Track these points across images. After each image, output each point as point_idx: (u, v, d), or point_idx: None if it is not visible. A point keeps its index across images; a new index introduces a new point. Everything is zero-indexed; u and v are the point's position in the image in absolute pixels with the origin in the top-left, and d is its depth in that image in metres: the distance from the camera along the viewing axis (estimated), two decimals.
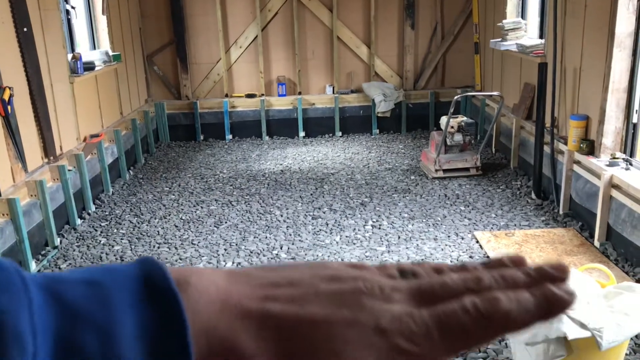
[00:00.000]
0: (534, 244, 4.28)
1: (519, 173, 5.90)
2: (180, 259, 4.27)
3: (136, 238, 4.65)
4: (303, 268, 0.32)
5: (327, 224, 4.79)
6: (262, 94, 7.82)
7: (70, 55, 5.43)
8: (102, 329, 0.26)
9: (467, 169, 5.89)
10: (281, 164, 6.61)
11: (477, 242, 4.36)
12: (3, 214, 3.95)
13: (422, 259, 4.08)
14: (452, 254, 4.15)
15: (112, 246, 4.52)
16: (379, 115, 7.79)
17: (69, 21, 5.84)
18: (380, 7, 7.70)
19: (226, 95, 7.84)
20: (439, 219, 4.83)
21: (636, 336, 3.03)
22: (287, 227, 4.77)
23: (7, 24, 4.27)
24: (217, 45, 7.70)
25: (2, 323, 0.25)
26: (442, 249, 4.24)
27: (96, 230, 4.85)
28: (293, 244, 4.44)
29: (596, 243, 4.21)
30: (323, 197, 5.45)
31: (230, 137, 7.82)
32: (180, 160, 6.93)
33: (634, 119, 4.28)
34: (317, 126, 7.85)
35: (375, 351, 0.28)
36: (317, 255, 4.23)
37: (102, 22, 6.48)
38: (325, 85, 7.91)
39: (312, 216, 4.98)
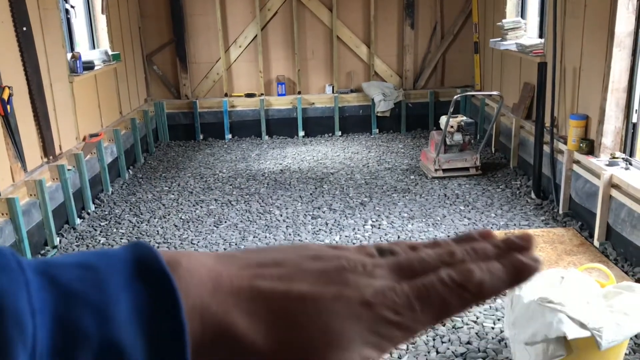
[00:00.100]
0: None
1: (519, 173, 5.90)
2: None
3: (135, 237, 4.65)
4: (286, 249, 0.33)
5: (327, 224, 4.79)
6: (262, 94, 7.82)
7: (69, 55, 5.43)
8: (98, 309, 0.27)
9: (466, 169, 5.89)
10: (281, 164, 6.61)
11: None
12: (2, 214, 3.95)
13: None
14: None
15: (112, 246, 4.51)
16: (378, 114, 7.79)
17: (68, 20, 5.84)
18: (380, 6, 7.70)
19: (226, 95, 7.83)
20: (439, 218, 4.83)
21: (636, 336, 3.03)
22: (287, 226, 4.77)
23: (6, 23, 4.27)
24: (216, 45, 7.70)
25: (2, 303, 0.25)
26: None
27: (95, 230, 4.85)
28: (293, 243, 4.44)
29: (596, 243, 4.21)
30: (323, 196, 5.45)
31: (230, 136, 7.82)
32: (179, 160, 6.93)
33: (634, 119, 4.28)
34: (317, 126, 7.85)
35: (362, 322, 0.30)
36: None
37: (101, 21, 6.47)
38: (324, 85, 7.91)
39: (311, 216, 4.98)
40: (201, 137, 7.82)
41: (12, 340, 0.25)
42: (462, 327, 3.25)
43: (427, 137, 6.95)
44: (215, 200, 5.47)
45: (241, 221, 4.91)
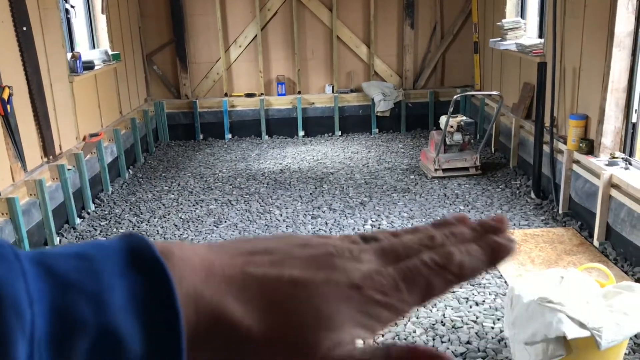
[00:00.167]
0: (534, 243, 4.28)
1: (519, 172, 5.90)
2: None
3: None
4: (275, 238, 0.34)
5: (327, 224, 4.79)
6: (262, 94, 7.82)
7: (69, 55, 5.43)
8: (94, 297, 0.27)
9: (466, 169, 5.89)
10: (280, 164, 6.61)
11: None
12: (2, 213, 3.95)
13: None
14: None
15: None
16: (378, 114, 7.79)
17: (68, 20, 5.84)
18: (380, 6, 7.70)
19: (225, 95, 7.83)
20: (439, 218, 4.82)
21: (635, 336, 3.03)
22: (287, 226, 4.77)
23: (6, 23, 4.27)
24: (216, 45, 7.70)
25: (1, 293, 0.25)
26: None
27: (95, 230, 4.85)
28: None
29: (595, 242, 4.21)
30: (322, 196, 5.45)
31: (230, 136, 7.82)
32: (179, 160, 6.93)
33: (633, 119, 4.28)
34: (317, 125, 7.86)
35: (352, 304, 0.31)
36: None
37: (101, 21, 6.47)
38: (324, 85, 7.91)
39: (311, 215, 4.98)
40: (201, 136, 7.82)
41: (11, 328, 0.25)
42: (461, 327, 3.25)
43: (427, 137, 6.95)
44: (215, 200, 5.47)
45: (241, 221, 4.92)
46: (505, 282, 3.72)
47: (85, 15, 6.39)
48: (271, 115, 7.83)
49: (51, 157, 4.81)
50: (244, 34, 7.70)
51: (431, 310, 3.43)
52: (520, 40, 5.95)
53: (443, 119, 5.95)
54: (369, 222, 4.80)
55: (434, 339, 3.15)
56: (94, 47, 6.47)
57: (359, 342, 0.31)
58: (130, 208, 5.33)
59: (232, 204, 5.33)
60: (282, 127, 7.86)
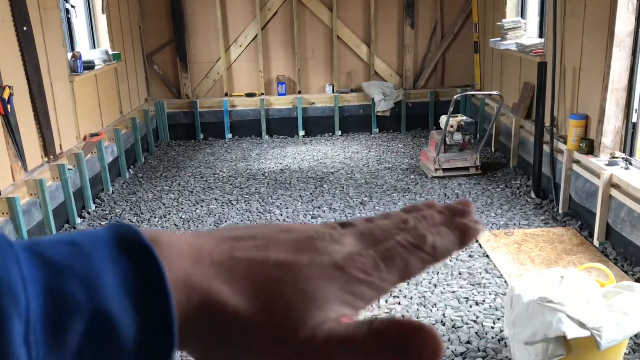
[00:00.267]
0: (534, 243, 4.28)
1: (519, 172, 5.90)
2: None
3: None
4: (257, 226, 0.36)
5: None
6: (262, 93, 7.82)
7: (70, 54, 5.43)
8: (86, 280, 0.28)
9: (466, 168, 5.90)
10: (281, 163, 6.61)
11: (477, 241, 4.36)
12: (3, 213, 3.96)
13: None
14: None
15: None
16: (378, 114, 7.79)
17: (68, 20, 5.84)
18: (380, 6, 7.70)
19: (226, 94, 7.84)
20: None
21: (635, 335, 3.04)
22: None
23: (6, 23, 4.27)
24: (216, 44, 7.70)
25: None
26: None
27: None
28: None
29: (595, 242, 4.21)
30: (323, 196, 5.46)
31: (230, 136, 7.82)
32: (180, 159, 6.94)
33: (634, 118, 4.28)
34: (317, 125, 7.86)
35: (336, 282, 0.32)
36: None
37: (101, 21, 6.48)
38: (325, 85, 7.91)
39: (311, 215, 4.98)
40: (201, 136, 7.82)
41: (7, 311, 0.25)
42: (461, 326, 3.25)
43: (427, 136, 6.96)
44: (215, 199, 5.47)
45: (241, 220, 4.92)
46: (505, 281, 3.72)
47: (85, 14, 6.40)
48: (271, 115, 7.83)
49: (51, 156, 4.81)
50: (244, 33, 7.70)
51: (431, 310, 3.44)
52: (521, 40, 5.95)
53: (443, 119, 5.95)
54: None
55: None
56: (94, 47, 6.47)
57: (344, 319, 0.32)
58: (130, 208, 5.34)
59: (232, 204, 5.33)
60: (282, 126, 7.86)
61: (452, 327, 3.25)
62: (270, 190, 5.65)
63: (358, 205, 5.18)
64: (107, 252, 0.29)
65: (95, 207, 5.36)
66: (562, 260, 4.00)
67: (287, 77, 7.88)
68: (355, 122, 7.89)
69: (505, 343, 3.05)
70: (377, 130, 7.89)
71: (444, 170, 5.84)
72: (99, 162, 5.65)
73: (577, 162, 4.63)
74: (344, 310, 0.32)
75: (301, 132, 7.82)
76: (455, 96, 5.92)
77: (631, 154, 4.29)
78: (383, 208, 5.08)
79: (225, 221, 4.91)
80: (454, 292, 3.64)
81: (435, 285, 3.72)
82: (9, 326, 0.25)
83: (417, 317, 3.35)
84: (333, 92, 7.84)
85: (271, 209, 5.17)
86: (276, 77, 7.86)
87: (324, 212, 5.04)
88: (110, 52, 6.34)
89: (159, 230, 0.32)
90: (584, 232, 4.42)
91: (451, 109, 5.72)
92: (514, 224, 4.66)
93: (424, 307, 3.48)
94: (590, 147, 4.51)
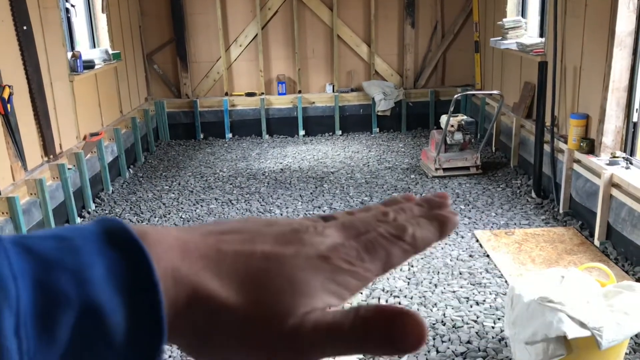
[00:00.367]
0: (534, 242, 4.28)
1: (519, 172, 5.89)
2: None
3: None
4: (241, 220, 0.36)
5: None
6: (262, 93, 7.82)
7: (70, 54, 5.43)
8: (75, 273, 0.28)
9: (467, 168, 5.89)
10: (281, 163, 6.61)
11: (477, 241, 4.36)
12: (3, 213, 3.95)
13: (422, 258, 4.08)
14: (452, 253, 4.15)
15: None
16: (379, 113, 7.78)
17: (68, 19, 5.84)
18: (381, 5, 7.70)
19: (226, 94, 7.83)
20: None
21: (636, 335, 3.03)
22: None
23: (6, 22, 4.27)
24: (217, 44, 7.70)
25: None
26: (442, 248, 4.23)
27: None
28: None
29: (596, 242, 4.21)
30: (323, 196, 5.45)
31: (230, 135, 7.82)
32: (180, 159, 6.93)
33: (634, 118, 4.28)
34: (317, 125, 7.85)
35: (321, 273, 0.33)
36: None
37: (102, 20, 6.47)
38: (325, 84, 7.91)
39: (312, 215, 4.97)
40: (201, 136, 7.82)
41: None
42: (462, 326, 3.25)
43: (428, 136, 6.95)
44: (215, 199, 5.47)
45: None
46: (506, 281, 3.72)
47: (85, 14, 6.39)
48: (272, 114, 7.83)
49: (51, 156, 4.81)
50: (244, 33, 7.70)
51: (432, 310, 3.43)
52: (521, 39, 5.94)
53: (444, 119, 5.95)
54: None
55: (434, 339, 3.14)
56: (94, 46, 6.47)
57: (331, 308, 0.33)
58: (130, 207, 5.33)
59: (232, 204, 5.33)
60: (282, 126, 7.85)
61: (453, 327, 3.25)
62: (271, 190, 5.65)
63: (358, 205, 5.17)
64: (96, 246, 0.29)
65: (95, 206, 5.36)
66: (563, 260, 4.00)
67: (288, 76, 7.87)
68: (355, 121, 7.89)
69: (505, 343, 3.05)
70: (377, 129, 7.89)
71: (445, 169, 5.84)
72: (99, 161, 5.65)
73: (578, 161, 4.63)
74: (330, 299, 0.33)
75: (301, 132, 7.81)
76: (455, 96, 5.92)
77: (632, 153, 4.28)
78: None
79: None
80: (454, 292, 3.63)
81: (435, 285, 3.72)
82: (0, 319, 0.25)
83: None
84: (333, 91, 7.83)
85: (271, 208, 5.17)
86: (276, 77, 7.86)
87: (324, 211, 5.04)
88: (110, 52, 6.34)
89: (145, 225, 0.33)
90: (585, 232, 4.41)
91: (452, 109, 5.72)
92: (515, 224, 4.65)
93: (425, 307, 3.47)
94: (590, 146, 4.50)
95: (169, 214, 5.13)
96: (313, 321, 0.31)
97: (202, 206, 5.29)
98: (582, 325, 2.36)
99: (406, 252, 0.36)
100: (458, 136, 5.90)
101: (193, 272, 0.31)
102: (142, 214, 5.16)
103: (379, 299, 3.56)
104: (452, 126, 5.86)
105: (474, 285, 3.71)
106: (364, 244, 0.35)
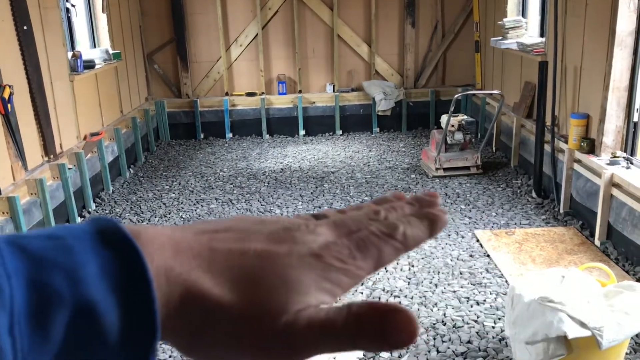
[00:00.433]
0: (535, 242, 4.28)
1: (520, 172, 5.89)
2: None
3: None
4: (232, 219, 0.36)
5: None
6: (263, 93, 7.82)
7: (70, 54, 5.43)
8: (69, 272, 0.28)
9: (467, 168, 5.89)
10: (281, 163, 6.60)
11: (478, 240, 4.36)
12: (3, 212, 3.95)
13: (422, 258, 4.08)
14: (453, 253, 4.15)
15: None
16: (379, 113, 7.78)
17: (69, 19, 5.84)
18: (381, 5, 7.70)
19: (226, 94, 7.83)
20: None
21: (636, 335, 3.03)
22: None
23: (7, 22, 4.27)
24: (217, 44, 7.69)
25: None
26: (443, 248, 4.23)
27: None
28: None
29: (597, 242, 4.20)
30: (323, 195, 5.45)
31: (231, 135, 7.82)
32: (180, 159, 6.93)
33: (635, 118, 4.28)
34: (318, 125, 7.85)
35: (314, 271, 0.33)
36: None
37: (102, 20, 6.47)
38: (325, 84, 7.91)
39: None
40: (202, 136, 7.82)
41: None
42: (462, 326, 3.25)
43: (428, 136, 6.95)
44: (216, 199, 5.47)
45: None
46: (506, 281, 3.71)
47: (85, 14, 6.39)
48: (272, 114, 7.83)
49: (52, 156, 4.81)
50: (244, 32, 7.70)
51: (432, 310, 3.43)
52: (522, 39, 5.94)
53: (444, 118, 5.95)
54: None
55: (434, 338, 3.14)
56: (94, 46, 6.47)
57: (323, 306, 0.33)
58: (131, 207, 5.33)
59: (233, 203, 5.33)
60: (282, 126, 7.85)
61: (453, 326, 3.25)
62: (271, 190, 5.65)
63: None
64: (90, 245, 0.29)
65: (96, 206, 5.36)
66: (563, 259, 4.00)
67: (288, 76, 7.87)
68: (356, 121, 7.89)
69: (506, 343, 3.05)
70: (377, 129, 7.89)
71: (445, 169, 5.84)
72: (99, 161, 5.65)
73: (578, 161, 4.62)
74: (322, 297, 0.33)
75: (302, 132, 7.81)
76: (456, 95, 5.91)
77: (632, 153, 4.28)
78: None
79: None
80: (454, 291, 3.63)
81: (436, 285, 3.71)
82: None
83: (418, 317, 3.34)
84: (334, 91, 7.83)
85: (272, 208, 5.17)
86: (277, 77, 7.86)
87: None
88: (111, 52, 6.34)
89: (137, 225, 0.33)
90: (585, 232, 4.41)
91: (452, 109, 5.71)
92: (515, 224, 4.65)
93: (425, 306, 3.47)
94: (591, 146, 4.50)
95: (170, 213, 5.13)
96: (306, 319, 0.32)
97: (202, 206, 5.29)
98: (583, 325, 2.36)
99: (397, 250, 0.36)
100: (458, 136, 5.90)
101: (186, 270, 0.31)
102: (142, 213, 5.16)
103: (379, 298, 3.56)
104: (452, 126, 5.86)
105: (474, 285, 3.71)
106: (355, 242, 0.35)
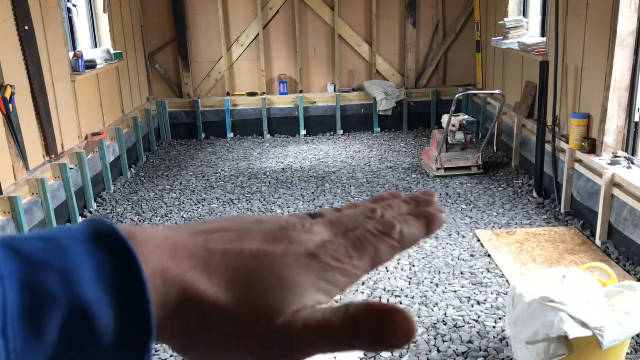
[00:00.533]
0: (535, 242, 4.28)
1: (520, 171, 5.89)
2: None
3: None
4: (228, 219, 0.36)
5: None
6: (264, 92, 7.82)
7: (71, 54, 5.43)
8: (63, 274, 0.28)
9: (468, 168, 5.89)
10: (282, 162, 6.61)
11: (479, 240, 4.36)
12: (4, 212, 3.96)
13: (423, 257, 4.08)
14: (453, 252, 4.15)
15: None
16: (380, 113, 7.78)
17: (70, 19, 5.84)
18: (382, 5, 7.70)
19: (227, 94, 7.84)
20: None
21: (637, 335, 3.03)
22: None
23: (8, 22, 4.27)
24: (218, 44, 7.70)
25: None
26: (443, 247, 4.24)
27: None
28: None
29: (597, 242, 4.20)
30: (324, 195, 5.45)
31: (232, 135, 7.82)
32: (181, 159, 6.94)
33: (636, 118, 4.28)
34: (318, 124, 7.85)
35: (310, 270, 0.33)
36: None
37: (103, 20, 6.48)
38: (326, 84, 7.91)
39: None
40: (203, 135, 7.82)
41: None
42: (463, 326, 3.25)
43: (429, 135, 6.95)
44: (217, 198, 5.47)
45: None
46: (507, 281, 3.72)
47: (87, 14, 6.40)
48: (273, 114, 7.83)
49: (53, 155, 4.81)
50: (245, 32, 7.70)
51: (433, 310, 3.43)
52: (523, 38, 5.94)
53: (445, 118, 5.95)
54: None
55: (435, 338, 3.14)
56: (95, 46, 6.48)
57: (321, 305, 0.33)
58: (132, 207, 5.34)
59: (233, 203, 5.33)
60: (283, 125, 7.86)
61: (454, 326, 3.25)
62: (272, 190, 5.65)
63: None
64: (84, 247, 0.29)
65: (97, 206, 5.36)
66: (564, 259, 4.00)
67: (289, 76, 7.88)
68: (356, 121, 7.89)
69: (506, 342, 3.05)
70: (378, 129, 7.89)
71: (446, 169, 5.84)
72: (100, 161, 5.66)
73: (579, 161, 4.62)
74: (319, 297, 0.33)
75: (303, 131, 7.81)
76: (457, 95, 5.91)
77: (633, 153, 4.28)
78: None
79: None
80: (455, 291, 3.63)
81: (436, 285, 3.72)
82: None
83: (419, 317, 3.34)
84: (335, 91, 7.83)
85: (272, 208, 5.17)
86: (278, 76, 7.86)
87: None
88: (112, 51, 6.34)
89: (132, 226, 0.33)
90: (586, 232, 4.41)
91: (453, 108, 5.71)
92: (516, 223, 4.65)
93: (426, 306, 3.48)
94: (592, 146, 4.50)
95: (171, 213, 5.14)
96: (303, 319, 0.31)
97: (203, 205, 5.30)
98: (584, 324, 2.36)
99: (394, 249, 0.36)
100: (459, 136, 5.90)
101: (182, 271, 0.31)
102: (143, 213, 5.17)
103: (380, 298, 3.56)
104: (453, 126, 5.86)
105: (475, 284, 3.71)
106: (352, 241, 0.35)
